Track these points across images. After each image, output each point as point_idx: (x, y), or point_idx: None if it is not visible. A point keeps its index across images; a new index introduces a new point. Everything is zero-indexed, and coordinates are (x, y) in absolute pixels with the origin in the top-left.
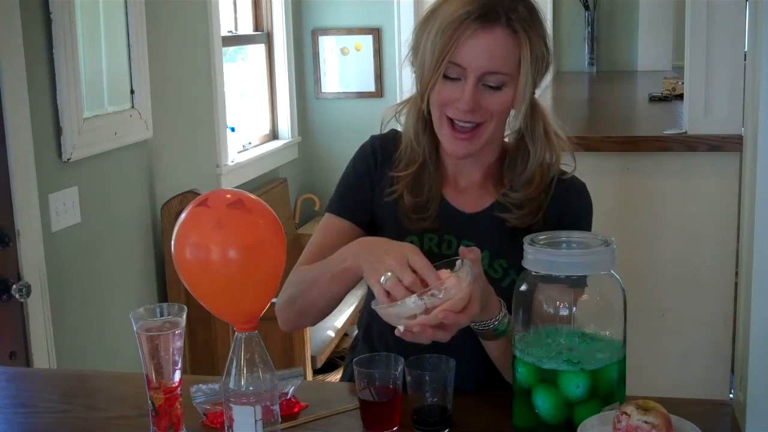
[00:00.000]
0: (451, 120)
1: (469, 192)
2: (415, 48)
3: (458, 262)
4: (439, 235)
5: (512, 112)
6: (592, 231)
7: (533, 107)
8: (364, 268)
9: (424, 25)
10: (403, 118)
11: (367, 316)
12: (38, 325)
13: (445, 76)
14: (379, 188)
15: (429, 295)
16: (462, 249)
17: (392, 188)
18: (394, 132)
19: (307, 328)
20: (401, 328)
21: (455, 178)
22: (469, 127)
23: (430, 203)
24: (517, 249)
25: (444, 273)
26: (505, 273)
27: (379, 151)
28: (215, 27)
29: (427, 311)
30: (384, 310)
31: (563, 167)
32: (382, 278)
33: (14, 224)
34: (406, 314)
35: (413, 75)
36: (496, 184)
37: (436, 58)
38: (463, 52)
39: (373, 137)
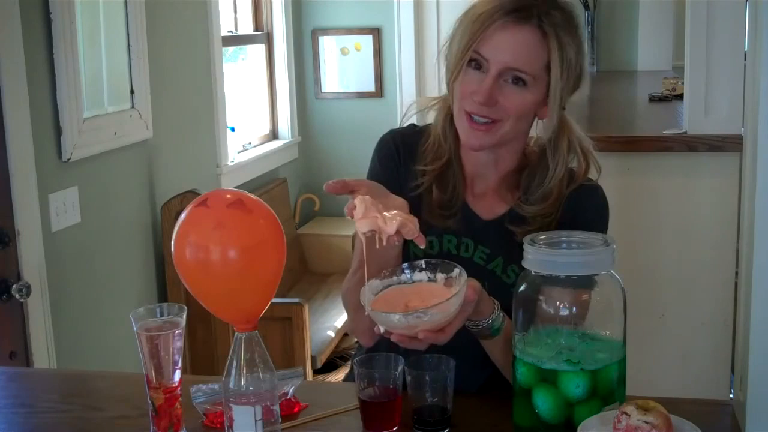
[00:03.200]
0: (469, 114)
1: (485, 198)
2: (450, 39)
3: (456, 270)
4: (458, 238)
5: (541, 123)
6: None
7: (560, 121)
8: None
9: (461, 17)
10: (432, 114)
11: None
12: (38, 325)
13: (471, 68)
14: (404, 181)
15: (414, 317)
16: (470, 287)
17: (418, 181)
18: (413, 126)
19: (307, 328)
20: (381, 329)
21: (472, 182)
22: (484, 121)
23: (454, 201)
24: None
25: (437, 288)
26: (517, 278)
27: (402, 146)
28: (215, 27)
29: (409, 328)
30: (367, 310)
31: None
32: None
33: (14, 224)
34: (388, 325)
35: (444, 68)
36: (511, 191)
37: (463, 47)
38: (489, 44)
39: (393, 131)
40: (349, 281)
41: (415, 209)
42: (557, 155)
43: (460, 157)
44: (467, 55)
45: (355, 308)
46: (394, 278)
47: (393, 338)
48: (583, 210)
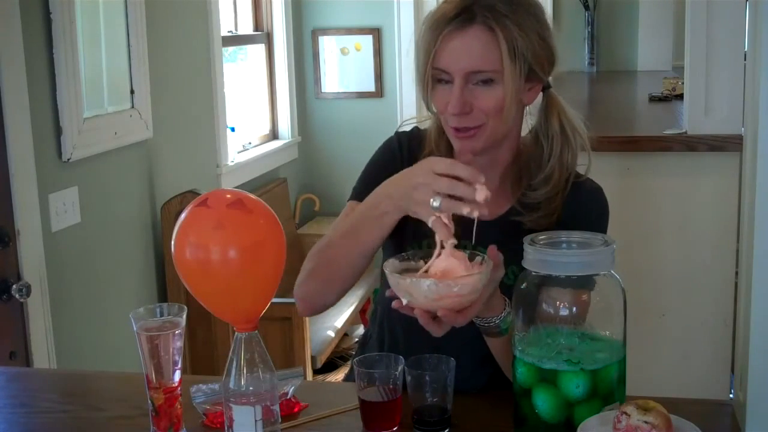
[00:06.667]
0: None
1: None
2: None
3: (479, 258)
4: (457, 240)
5: (527, 109)
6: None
7: (548, 102)
8: (406, 207)
9: (417, 35)
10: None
11: (381, 313)
12: (38, 325)
13: (439, 81)
14: None
15: (445, 285)
16: (491, 249)
17: None
18: (417, 129)
19: (307, 328)
20: (404, 301)
21: None
22: (468, 129)
23: None
24: None
25: (464, 264)
26: (517, 279)
27: (406, 148)
28: (215, 27)
29: (437, 299)
30: (396, 279)
31: (579, 167)
32: (433, 202)
33: (14, 224)
34: (415, 293)
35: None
36: (514, 187)
37: (423, 66)
38: (443, 56)
39: (398, 133)
40: (336, 244)
41: (408, 217)
42: (549, 135)
43: None
44: (428, 72)
45: (323, 277)
46: (412, 263)
47: (416, 313)
48: (585, 208)
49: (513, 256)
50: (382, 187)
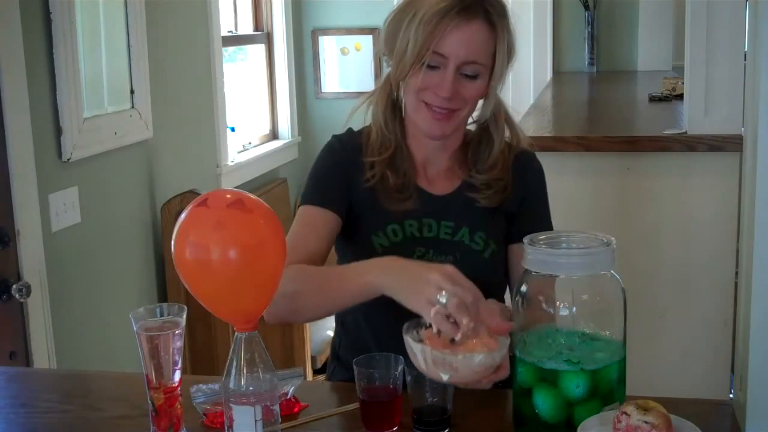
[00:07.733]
0: (427, 104)
1: (437, 178)
2: (391, 37)
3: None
4: (419, 220)
5: (480, 101)
6: (549, 201)
7: (496, 99)
8: (401, 291)
9: (401, 15)
10: (371, 109)
11: (342, 335)
12: (38, 325)
13: (427, 65)
14: (355, 177)
15: (491, 356)
16: (498, 326)
17: (371, 172)
18: (351, 130)
19: (308, 328)
20: (445, 378)
21: (424, 167)
22: (445, 111)
23: (408, 184)
24: (493, 220)
25: (490, 340)
26: (485, 244)
27: (348, 144)
28: (215, 27)
29: (481, 371)
30: (442, 355)
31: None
32: (440, 298)
33: (14, 224)
34: (462, 367)
35: (386, 64)
36: (461, 167)
37: (419, 48)
38: (446, 43)
39: (335, 136)
40: (315, 287)
41: (368, 200)
42: (499, 127)
43: (408, 146)
44: (426, 55)
45: (294, 307)
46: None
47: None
48: (529, 172)
49: (476, 224)
50: (381, 262)
